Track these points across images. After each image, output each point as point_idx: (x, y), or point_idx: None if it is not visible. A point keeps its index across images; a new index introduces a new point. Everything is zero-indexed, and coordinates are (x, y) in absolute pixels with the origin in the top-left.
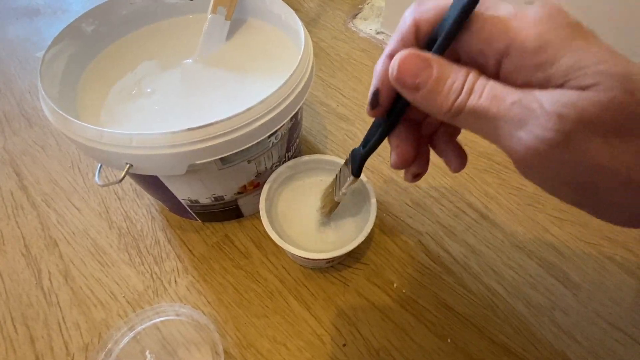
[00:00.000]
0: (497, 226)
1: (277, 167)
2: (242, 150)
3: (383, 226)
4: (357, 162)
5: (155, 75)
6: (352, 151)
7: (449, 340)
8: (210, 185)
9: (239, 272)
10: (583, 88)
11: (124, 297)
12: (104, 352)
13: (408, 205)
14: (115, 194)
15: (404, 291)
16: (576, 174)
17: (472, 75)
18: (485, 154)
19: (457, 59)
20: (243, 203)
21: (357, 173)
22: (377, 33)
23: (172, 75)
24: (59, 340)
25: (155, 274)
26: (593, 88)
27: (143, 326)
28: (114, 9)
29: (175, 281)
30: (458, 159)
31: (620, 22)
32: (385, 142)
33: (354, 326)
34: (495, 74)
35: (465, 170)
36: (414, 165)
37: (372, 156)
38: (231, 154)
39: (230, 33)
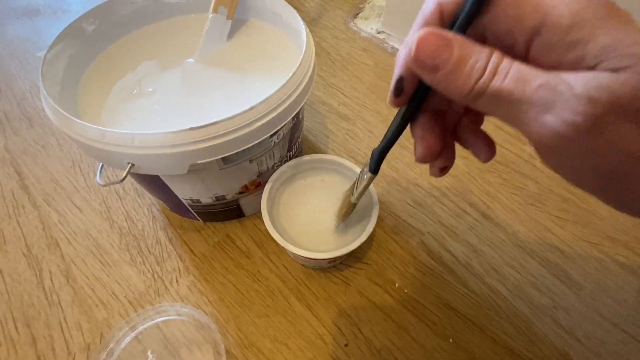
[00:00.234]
0: (498, 226)
1: (278, 166)
2: (244, 150)
3: (385, 226)
4: (375, 157)
5: (156, 75)
6: (373, 150)
7: (450, 340)
8: (212, 185)
9: (240, 272)
10: (616, 70)
11: (125, 296)
12: (105, 352)
13: (410, 205)
14: (117, 193)
15: (405, 291)
16: (604, 161)
17: (496, 55)
18: None
19: (483, 41)
20: (244, 203)
21: (374, 169)
22: (378, 32)
23: (173, 75)
24: (60, 340)
25: (157, 273)
26: (628, 70)
27: (144, 326)
28: (115, 8)
29: (177, 281)
30: (487, 147)
31: None
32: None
33: (355, 326)
34: (523, 56)
35: (466, 169)
36: (440, 158)
37: None
38: (233, 154)
39: (231, 33)
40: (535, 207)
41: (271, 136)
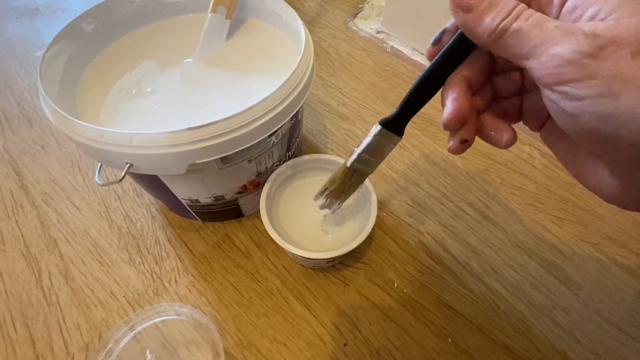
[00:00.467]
0: (497, 226)
1: (277, 166)
2: (243, 149)
3: (384, 226)
4: (404, 107)
5: (155, 74)
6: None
7: (449, 340)
8: (211, 185)
9: (239, 272)
10: (619, 19)
11: (124, 296)
12: (104, 352)
13: (409, 204)
14: (116, 193)
15: (404, 291)
16: (602, 83)
17: (521, 5)
18: (485, 153)
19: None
20: (243, 202)
21: (396, 127)
22: (378, 32)
23: (172, 75)
24: (59, 340)
25: (156, 273)
26: (629, 19)
27: (143, 326)
28: (114, 8)
29: (176, 281)
30: (510, 130)
31: None
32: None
33: (354, 326)
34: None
35: (465, 169)
36: (464, 128)
37: None
38: (231, 154)
39: (231, 33)
40: (534, 207)
41: (270, 136)
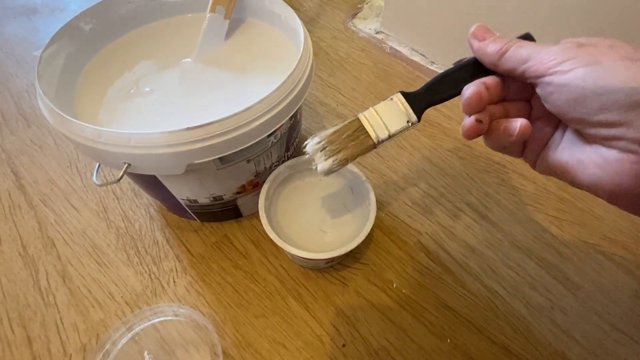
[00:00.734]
0: (496, 226)
1: (276, 166)
2: (241, 149)
3: (382, 226)
4: (427, 88)
5: (154, 74)
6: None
7: (448, 341)
8: (209, 185)
9: (237, 272)
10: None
11: (122, 297)
12: (101, 353)
13: (407, 205)
14: (114, 193)
15: (403, 291)
16: (585, 58)
17: (515, 38)
18: (484, 153)
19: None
20: (242, 203)
21: (419, 111)
22: (377, 33)
23: (170, 75)
24: (56, 341)
25: (154, 274)
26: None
27: (141, 327)
28: (112, 8)
29: (174, 281)
30: (523, 119)
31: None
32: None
33: (353, 326)
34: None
35: (464, 170)
36: (480, 114)
37: (371, 155)
38: (230, 154)
39: (229, 32)
40: (533, 207)
41: (268, 136)
